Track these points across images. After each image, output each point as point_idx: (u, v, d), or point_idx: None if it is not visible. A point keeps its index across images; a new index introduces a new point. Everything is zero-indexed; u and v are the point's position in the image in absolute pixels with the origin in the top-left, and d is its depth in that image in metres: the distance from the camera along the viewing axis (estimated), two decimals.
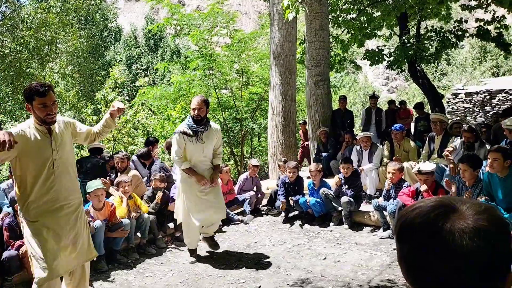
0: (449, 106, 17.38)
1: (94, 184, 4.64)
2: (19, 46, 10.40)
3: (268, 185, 8.03)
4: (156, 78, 26.30)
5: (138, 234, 5.21)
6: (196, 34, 11.86)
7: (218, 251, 5.00)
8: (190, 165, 4.40)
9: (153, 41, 32.29)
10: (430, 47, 11.80)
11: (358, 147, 6.94)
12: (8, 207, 4.74)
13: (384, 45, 12.48)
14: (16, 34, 9.85)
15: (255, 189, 7.06)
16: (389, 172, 5.45)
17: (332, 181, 6.25)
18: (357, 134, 7.94)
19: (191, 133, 4.33)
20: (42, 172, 2.85)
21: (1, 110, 16.43)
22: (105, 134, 3.36)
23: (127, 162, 6.07)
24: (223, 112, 12.88)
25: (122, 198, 5.10)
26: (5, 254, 3.92)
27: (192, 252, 4.82)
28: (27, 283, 4.08)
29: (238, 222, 6.38)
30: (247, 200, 6.78)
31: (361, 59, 12.74)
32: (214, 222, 4.85)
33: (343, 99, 9.09)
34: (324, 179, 6.27)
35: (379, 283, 3.92)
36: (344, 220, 5.79)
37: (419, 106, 9.58)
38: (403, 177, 5.59)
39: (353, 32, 10.36)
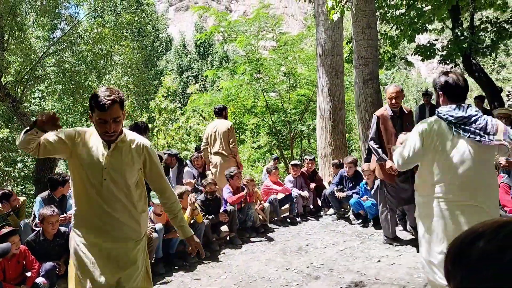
0: (509, 99, 16.43)
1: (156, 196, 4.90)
2: (77, 60, 11.01)
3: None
4: (206, 84, 26.91)
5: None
6: (243, 40, 12.05)
7: (271, 253, 5.03)
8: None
9: (202, 49, 33.10)
10: (485, 39, 11.21)
11: None
12: None
13: (436, 39, 11.97)
14: (74, 49, 10.44)
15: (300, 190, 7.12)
16: None
17: None
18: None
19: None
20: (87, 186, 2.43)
21: (64, 122, 17.47)
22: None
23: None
24: (272, 115, 12.96)
25: (188, 206, 5.20)
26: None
27: None
28: None
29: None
30: (294, 201, 6.75)
31: (412, 54, 12.33)
32: None
33: None
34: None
35: None
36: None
37: (480, 98, 9.19)
38: None
39: (402, 27, 10.04)
